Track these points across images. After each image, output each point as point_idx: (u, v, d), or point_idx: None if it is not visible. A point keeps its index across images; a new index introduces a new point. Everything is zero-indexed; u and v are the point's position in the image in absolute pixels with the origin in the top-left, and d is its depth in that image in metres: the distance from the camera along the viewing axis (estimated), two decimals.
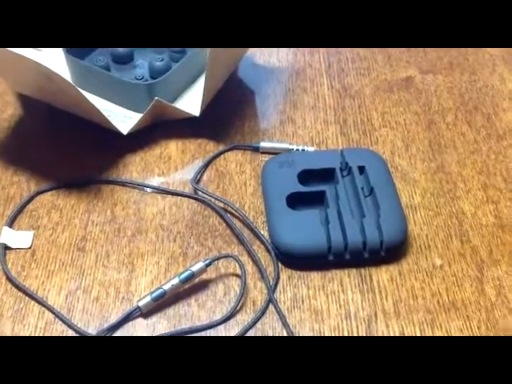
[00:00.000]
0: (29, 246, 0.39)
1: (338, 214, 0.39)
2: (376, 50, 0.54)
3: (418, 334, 0.35)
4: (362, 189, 0.40)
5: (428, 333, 0.35)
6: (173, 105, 0.46)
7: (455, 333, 0.35)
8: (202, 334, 0.36)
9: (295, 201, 0.40)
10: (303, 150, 0.45)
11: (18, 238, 0.40)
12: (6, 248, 0.39)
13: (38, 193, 0.42)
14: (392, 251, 0.38)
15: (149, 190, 0.43)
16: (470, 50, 0.54)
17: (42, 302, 0.37)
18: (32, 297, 0.37)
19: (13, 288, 0.37)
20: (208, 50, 0.41)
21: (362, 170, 0.41)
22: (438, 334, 0.35)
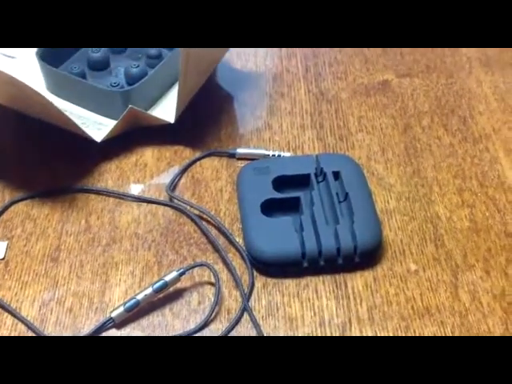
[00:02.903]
0: (2, 256, 0.39)
1: (312, 221, 0.39)
2: (353, 53, 0.54)
3: None
4: (337, 194, 0.40)
5: None
6: (147, 112, 0.46)
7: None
8: None
9: (270, 207, 0.40)
10: (279, 155, 0.45)
11: None
12: None
13: (12, 202, 0.42)
14: (366, 257, 0.38)
15: (124, 198, 0.43)
16: (447, 52, 0.54)
17: (14, 314, 0.36)
18: (5, 308, 0.37)
19: None
20: (181, 54, 0.41)
21: (336, 175, 0.41)
22: None
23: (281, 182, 0.42)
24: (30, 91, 0.38)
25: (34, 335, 0.35)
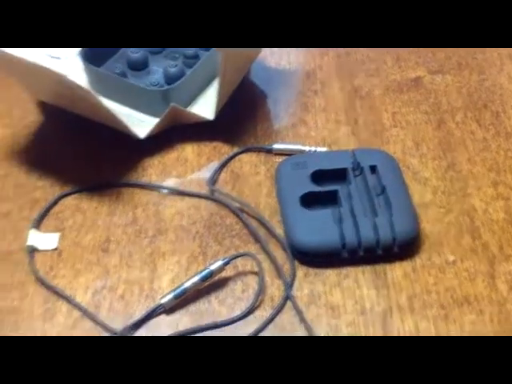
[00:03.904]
0: (55, 247, 0.41)
1: (351, 213, 0.40)
2: (385, 51, 0.55)
3: (432, 329, 0.36)
4: (374, 188, 0.41)
5: (442, 327, 0.36)
6: (187, 109, 0.48)
7: (468, 327, 0.36)
8: (223, 329, 0.37)
9: (309, 200, 0.42)
10: (315, 150, 0.46)
11: (45, 240, 0.41)
12: (34, 250, 0.41)
13: (62, 196, 0.44)
14: (405, 248, 0.40)
15: (167, 191, 0.45)
16: (477, 49, 0.55)
17: (70, 300, 0.38)
18: (60, 295, 0.39)
19: (42, 288, 0.39)
20: (220, 54, 0.42)
21: (373, 169, 0.43)
22: (452, 328, 0.36)
23: (318, 176, 0.43)
24: (80, 91, 0.40)
25: (89, 321, 0.37)
